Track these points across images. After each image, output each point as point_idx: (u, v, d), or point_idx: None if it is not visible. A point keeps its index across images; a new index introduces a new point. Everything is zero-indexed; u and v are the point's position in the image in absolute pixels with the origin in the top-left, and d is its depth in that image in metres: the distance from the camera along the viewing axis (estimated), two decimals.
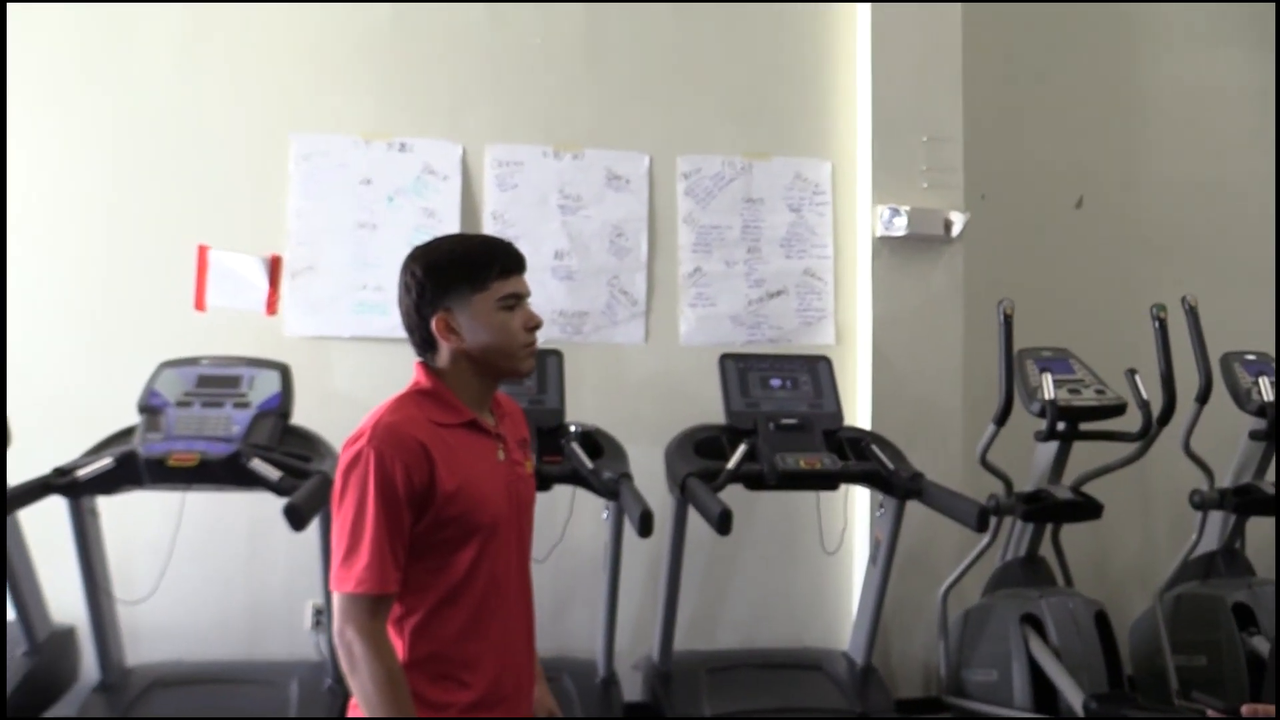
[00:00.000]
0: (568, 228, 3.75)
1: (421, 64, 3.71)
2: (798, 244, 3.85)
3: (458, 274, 1.67)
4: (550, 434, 3.15)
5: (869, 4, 3.81)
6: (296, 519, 2.57)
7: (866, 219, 3.79)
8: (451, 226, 3.67)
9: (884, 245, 3.76)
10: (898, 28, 3.80)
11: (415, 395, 1.67)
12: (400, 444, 1.55)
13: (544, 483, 3.03)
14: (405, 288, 1.70)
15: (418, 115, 3.70)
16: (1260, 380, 3.52)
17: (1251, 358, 3.63)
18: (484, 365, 1.69)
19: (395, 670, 1.53)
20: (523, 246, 3.61)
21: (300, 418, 3.17)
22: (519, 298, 1.71)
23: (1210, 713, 1.53)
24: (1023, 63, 4.22)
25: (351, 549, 1.53)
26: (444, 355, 1.69)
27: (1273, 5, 4.38)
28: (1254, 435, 3.54)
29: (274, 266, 3.62)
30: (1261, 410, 3.48)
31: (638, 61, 3.82)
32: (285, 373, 3.18)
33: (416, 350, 1.73)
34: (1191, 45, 4.40)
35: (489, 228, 3.70)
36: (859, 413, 3.74)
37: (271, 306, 3.61)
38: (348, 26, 3.66)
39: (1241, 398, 3.54)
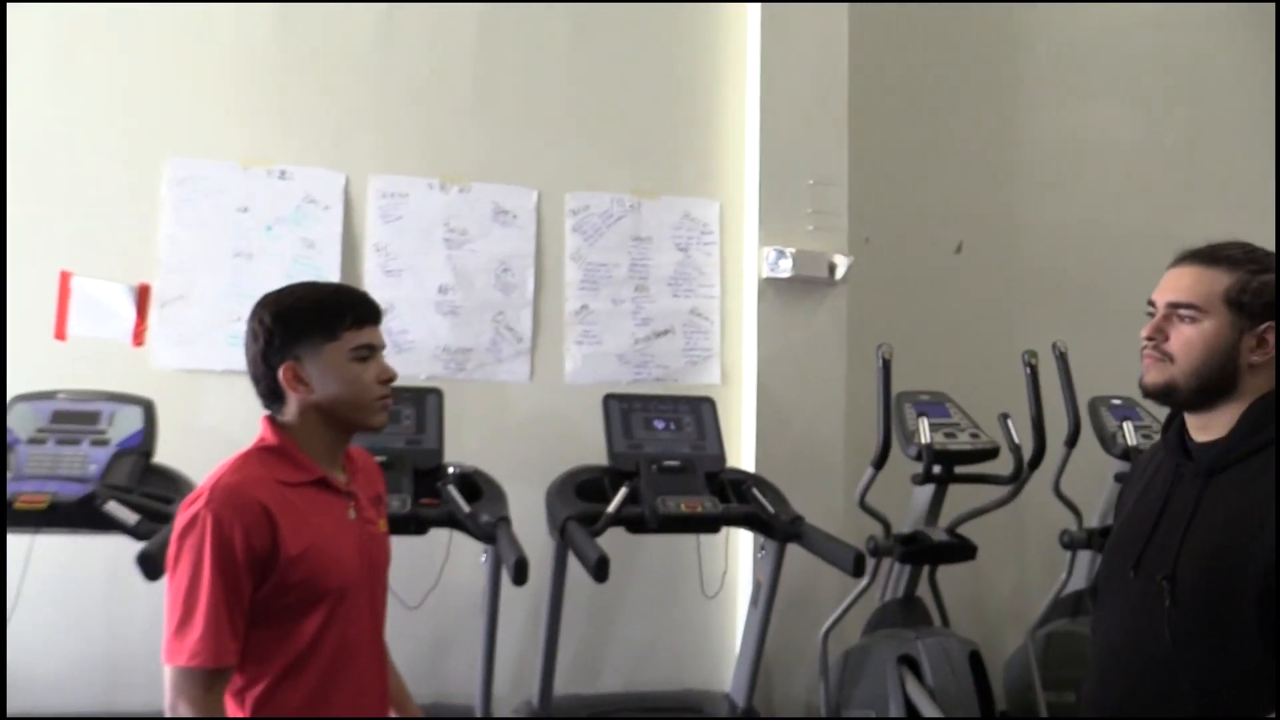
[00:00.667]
0: (453, 262, 3.68)
1: (304, 90, 3.61)
2: (685, 283, 3.86)
3: (308, 322, 1.60)
4: (427, 475, 3.06)
5: (759, 33, 3.84)
6: (150, 568, 2.44)
7: (753, 260, 3.82)
8: (332, 258, 3.58)
9: (769, 286, 3.79)
10: (785, 73, 3.85)
11: (259, 453, 1.60)
12: (240, 506, 1.48)
13: (420, 526, 2.95)
14: (253, 335, 1.63)
15: (299, 142, 3.60)
16: (1125, 424, 3.64)
17: (1117, 402, 3.75)
18: (334, 418, 1.63)
19: None
20: (406, 280, 3.66)
21: (167, 455, 3.01)
22: (373, 349, 1.65)
23: None
24: (906, 112, 4.33)
25: (185, 619, 1.45)
26: (291, 408, 1.62)
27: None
28: (1119, 478, 3.66)
29: (142, 295, 3.46)
30: (1126, 453, 3.59)
31: (527, 96, 3.79)
32: (149, 408, 3.03)
33: (263, 402, 1.66)
34: (1067, 100, 4.57)
35: (371, 260, 3.62)
36: (743, 453, 3.75)
37: (139, 337, 3.46)
38: (227, 49, 3.55)
39: (1108, 441, 3.65)
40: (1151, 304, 1.62)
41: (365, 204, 3.64)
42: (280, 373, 1.60)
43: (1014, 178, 4.49)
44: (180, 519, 1.49)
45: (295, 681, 1.54)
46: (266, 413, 1.65)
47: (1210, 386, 1.55)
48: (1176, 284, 1.58)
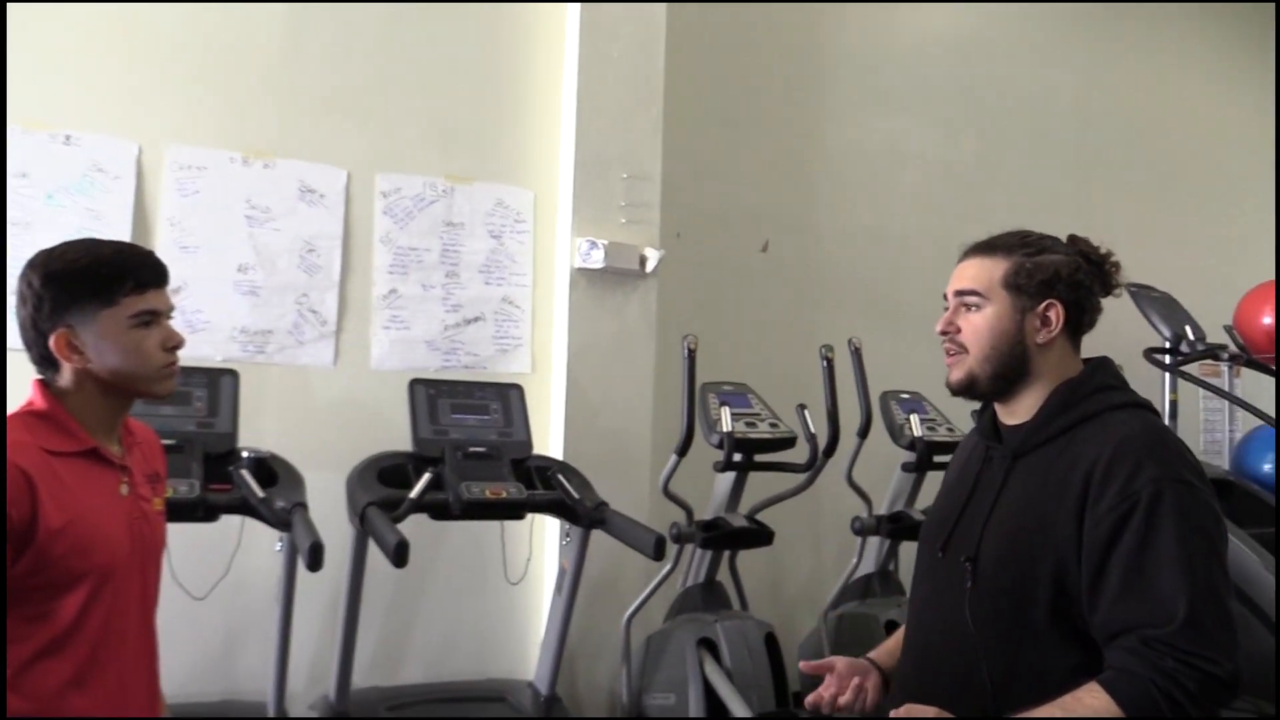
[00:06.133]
0: (254, 240, 3.53)
1: (92, 51, 3.37)
2: (497, 271, 3.84)
3: (82, 287, 1.50)
4: (220, 460, 2.93)
5: (578, 24, 3.86)
6: None
7: (565, 250, 3.84)
8: (122, 231, 3.36)
9: (581, 277, 3.82)
10: (602, 67, 3.89)
11: (26, 417, 1.49)
12: None
13: (210, 512, 2.82)
14: (21, 298, 1.52)
15: (86, 107, 3.36)
16: (911, 417, 3.87)
17: (905, 396, 3.99)
18: (113, 388, 1.54)
19: None
20: (202, 258, 3.49)
21: None
22: (156, 315, 1.56)
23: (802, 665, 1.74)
24: (719, 113, 4.46)
25: None
26: (66, 375, 1.52)
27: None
28: (905, 467, 3.89)
29: None
30: (912, 444, 3.82)
31: (339, 72, 3.68)
32: None
33: (35, 366, 1.55)
34: (869, 112, 4.83)
35: (165, 235, 3.43)
36: (552, 442, 3.77)
37: None
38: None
39: (895, 433, 3.88)
40: (945, 298, 1.70)
41: (160, 176, 3.44)
42: (51, 341, 1.49)
43: (818, 182, 4.70)
44: None
45: (50, 665, 1.43)
46: (37, 376, 1.54)
47: (1006, 372, 1.62)
48: (961, 275, 1.68)
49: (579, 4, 3.87)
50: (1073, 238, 1.70)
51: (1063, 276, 1.62)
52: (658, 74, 3.98)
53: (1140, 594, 1.42)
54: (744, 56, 4.54)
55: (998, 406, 1.70)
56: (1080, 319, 1.65)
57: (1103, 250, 1.68)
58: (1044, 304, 1.61)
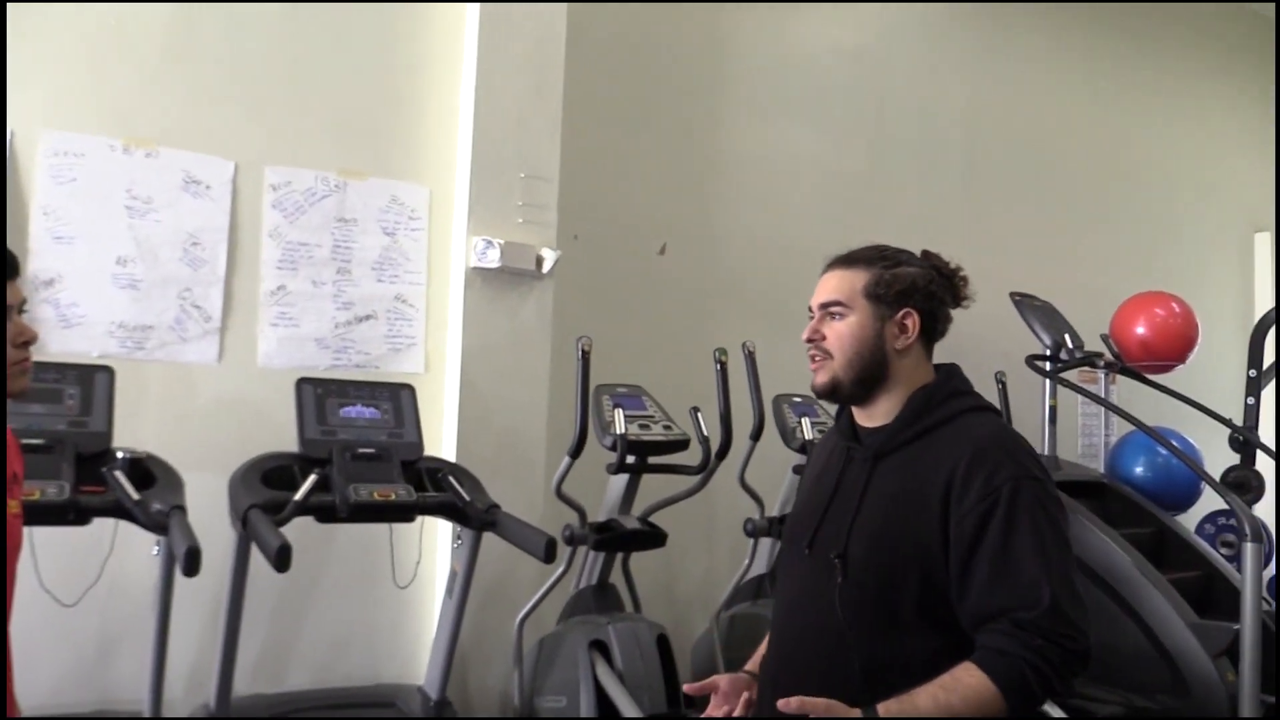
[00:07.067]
0: (134, 231, 3.40)
1: None
2: (390, 268, 3.77)
3: None
4: (93, 460, 2.82)
5: (478, 21, 3.82)
6: None
7: (461, 248, 3.79)
8: None
9: (477, 276, 3.78)
10: (502, 65, 3.85)
11: None
12: None
13: (81, 515, 2.71)
14: None
15: None
16: (803, 420, 3.94)
17: (798, 400, 4.05)
18: None
19: None
20: (79, 249, 3.36)
21: None
22: (4, 309, 1.49)
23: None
24: (618, 115, 4.47)
25: None
26: None
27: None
28: (797, 469, 3.96)
29: None
30: (804, 447, 3.89)
31: (228, 60, 3.56)
32: None
33: None
34: (764, 119, 4.89)
35: (38, 224, 3.27)
36: (445, 443, 3.72)
37: None
38: None
39: (788, 435, 3.94)
40: (810, 309, 1.80)
41: (34, 162, 3.29)
42: None
43: (714, 186, 4.74)
44: None
45: None
46: None
47: (867, 376, 1.73)
48: (825, 286, 1.78)
49: (479, 1, 3.83)
50: (925, 253, 1.82)
51: (919, 287, 1.74)
52: (557, 75, 3.97)
53: (1008, 582, 1.55)
54: (643, 61, 4.56)
55: (855, 410, 1.81)
56: (934, 328, 1.78)
57: (953, 265, 1.82)
58: (901, 312, 1.73)
